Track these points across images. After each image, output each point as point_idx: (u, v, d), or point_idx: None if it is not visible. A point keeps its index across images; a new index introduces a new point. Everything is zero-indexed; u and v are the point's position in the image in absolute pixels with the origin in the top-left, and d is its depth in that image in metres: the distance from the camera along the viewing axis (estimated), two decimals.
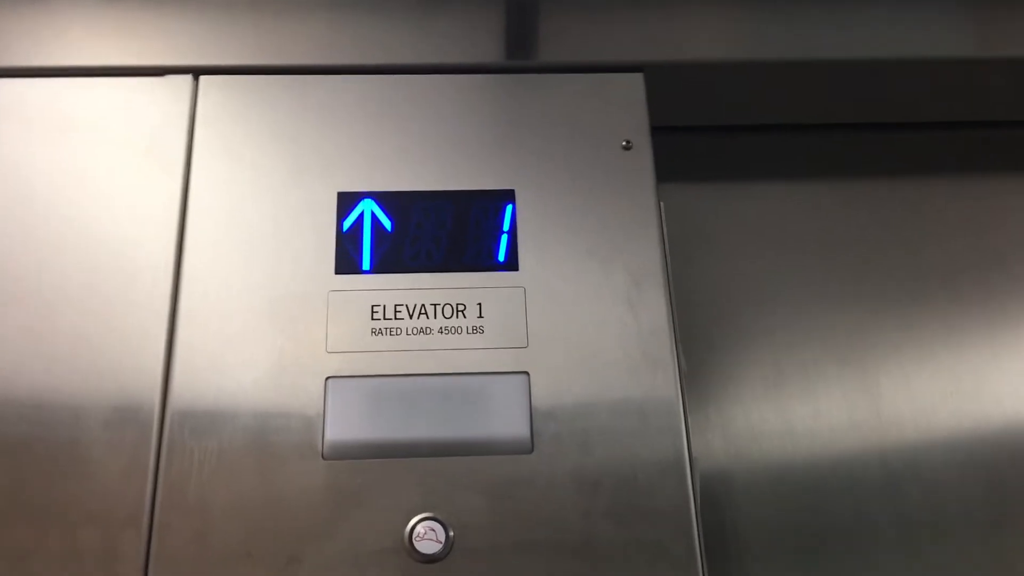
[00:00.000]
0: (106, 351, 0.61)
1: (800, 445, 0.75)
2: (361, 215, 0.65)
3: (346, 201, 0.66)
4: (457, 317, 0.63)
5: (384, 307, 0.63)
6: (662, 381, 0.62)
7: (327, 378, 0.60)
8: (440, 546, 0.56)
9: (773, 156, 0.85)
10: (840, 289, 0.80)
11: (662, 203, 0.67)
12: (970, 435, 0.76)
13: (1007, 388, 0.78)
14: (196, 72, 0.69)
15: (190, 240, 0.64)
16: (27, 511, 0.57)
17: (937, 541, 0.73)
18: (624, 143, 0.68)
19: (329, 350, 0.61)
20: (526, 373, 0.61)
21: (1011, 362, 0.78)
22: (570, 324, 0.63)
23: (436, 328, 0.62)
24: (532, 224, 0.66)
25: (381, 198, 0.66)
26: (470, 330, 0.62)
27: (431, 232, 0.65)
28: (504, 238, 0.65)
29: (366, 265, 0.64)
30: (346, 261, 0.64)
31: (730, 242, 0.81)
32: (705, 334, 0.77)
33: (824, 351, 0.78)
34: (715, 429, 0.75)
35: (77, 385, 0.60)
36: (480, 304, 0.63)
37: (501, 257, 0.65)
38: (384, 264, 0.64)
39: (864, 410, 0.76)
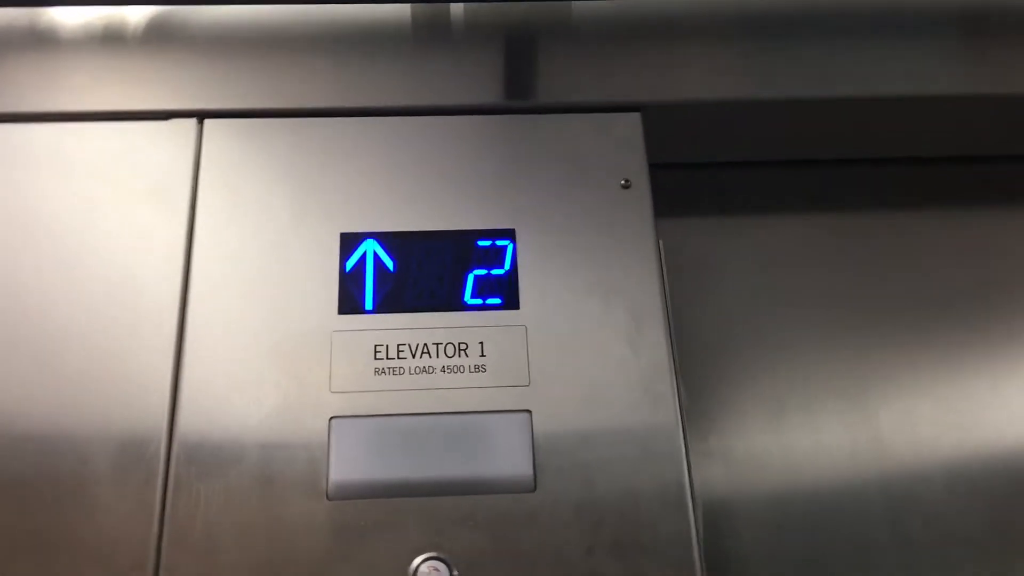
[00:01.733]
0: (112, 391, 0.61)
1: (802, 476, 0.75)
2: (363, 255, 0.66)
3: (348, 242, 0.66)
4: (459, 356, 0.63)
5: (387, 347, 0.63)
6: (663, 416, 0.62)
7: (331, 418, 0.61)
8: None
9: (770, 191, 0.86)
10: (840, 322, 0.80)
11: (661, 241, 0.68)
12: (971, 466, 0.76)
13: (1007, 419, 0.78)
14: (200, 116, 0.70)
15: (195, 281, 0.65)
16: (32, 551, 0.57)
17: (939, 570, 0.73)
18: (623, 182, 0.69)
19: (333, 390, 0.62)
20: (528, 411, 0.62)
21: (1011, 394, 0.79)
22: (571, 362, 0.64)
23: (438, 367, 0.63)
24: (533, 263, 0.67)
25: (383, 238, 0.67)
26: (472, 369, 0.63)
27: (433, 272, 0.66)
28: (505, 277, 0.66)
29: (369, 305, 0.65)
30: (349, 301, 0.65)
31: (728, 276, 0.81)
32: (705, 368, 0.77)
33: (824, 383, 0.78)
34: (717, 461, 0.75)
35: (83, 425, 0.60)
36: (482, 343, 0.64)
37: (502, 296, 0.66)
38: (387, 304, 0.65)
39: (865, 441, 0.76)
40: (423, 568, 0.57)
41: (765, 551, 0.73)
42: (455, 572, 0.57)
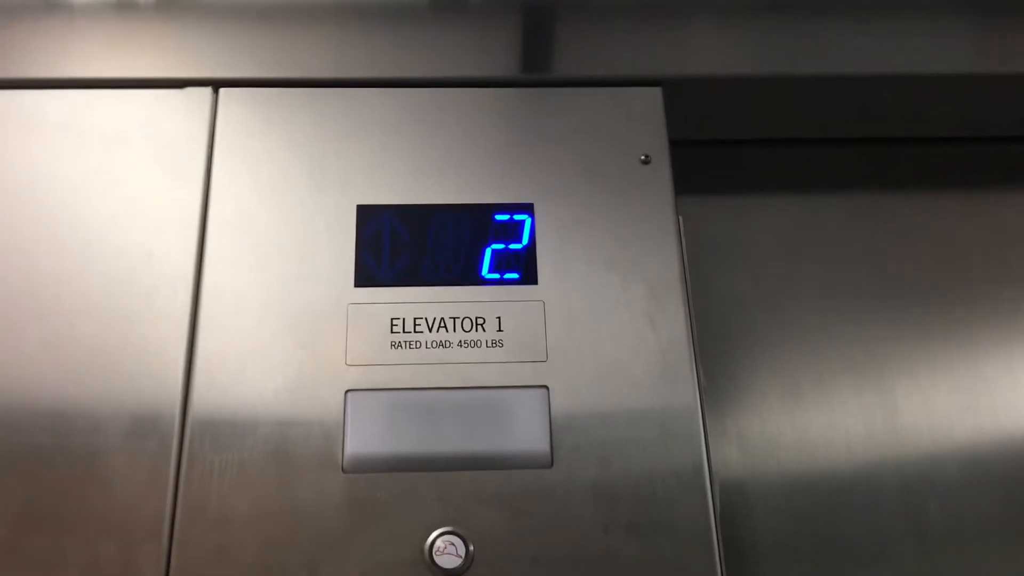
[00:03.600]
0: (126, 362, 0.61)
1: (817, 457, 0.75)
2: (380, 228, 0.65)
3: (365, 214, 0.66)
4: (476, 331, 0.63)
5: (403, 320, 0.63)
6: (681, 394, 0.62)
7: (347, 391, 0.60)
8: (460, 560, 0.56)
9: (791, 169, 0.85)
10: (857, 302, 0.80)
11: (680, 216, 0.67)
12: (987, 448, 0.76)
13: (1023, 401, 0.77)
14: (216, 85, 0.70)
15: (210, 252, 0.64)
16: (46, 524, 0.57)
17: (954, 554, 0.73)
18: (643, 157, 0.69)
19: (349, 363, 0.61)
20: (545, 387, 0.61)
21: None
22: (589, 337, 0.63)
23: (455, 342, 0.62)
24: (551, 238, 0.66)
25: (400, 211, 0.66)
26: (489, 344, 0.62)
27: (450, 245, 0.65)
28: (523, 252, 0.65)
29: (385, 278, 0.64)
30: (365, 274, 0.64)
31: (747, 255, 0.81)
32: (722, 347, 0.77)
33: (841, 364, 0.78)
34: (732, 441, 0.75)
35: (97, 397, 0.60)
36: (499, 318, 0.63)
37: (520, 271, 0.65)
38: (403, 277, 0.64)
39: (880, 423, 0.76)
40: (439, 543, 0.57)
41: (779, 533, 0.73)
42: (471, 547, 0.57)
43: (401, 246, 0.65)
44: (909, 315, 0.80)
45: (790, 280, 0.80)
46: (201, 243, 0.64)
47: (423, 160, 0.68)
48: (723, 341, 0.77)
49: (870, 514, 0.73)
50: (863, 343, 0.79)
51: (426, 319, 0.63)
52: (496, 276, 0.65)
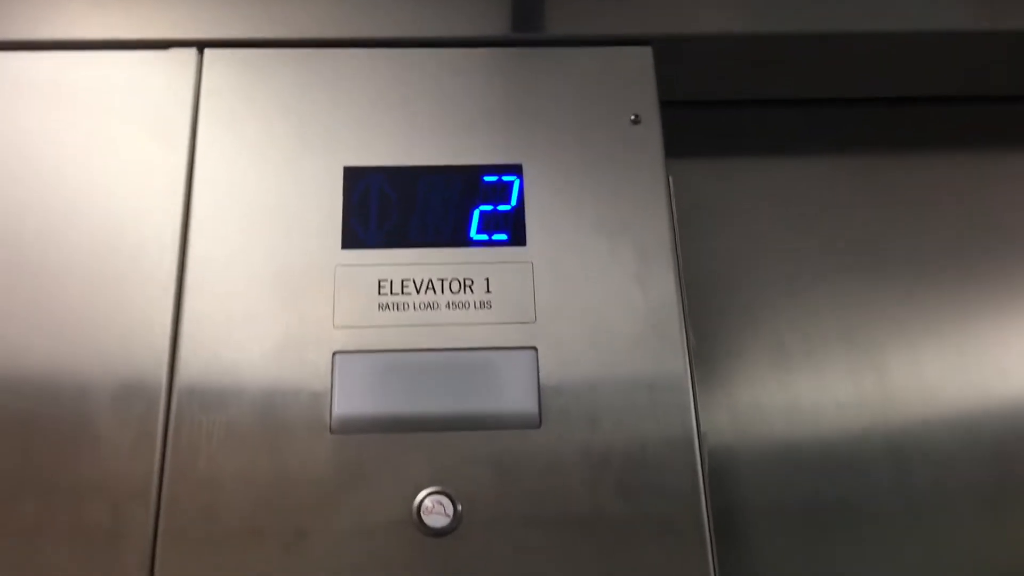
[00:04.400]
0: (113, 324, 0.60)
1: (805, 420, 0.75)
2: (368, 189, 0.65)
3: (353, 176, 0.65)
4: (464, 292, 0.63)
5: (391, 282, 0.62)
6: (670, 356, 0.62)
7: (334, 353, 0.60)
8: (449, 520, 0.56)
9: (784, 131, 0.84)
10: (847, 264, 0.79)
11: (671, 177, 0.66)
12: (976, 410, 0.76)
13: (1013, 363, 0.77)
14: (201, 45, 0.69)
15: (196, 214, 0.63)
16: (33, 486, 0.57)
17: (942, 516, 0.73)
18: (633, 117, 0.68)
19: (336, 325, 0.61)
20: (534, 348, 0.61)
21: (1017, 337, 0.78)
22: (578, 299, 0.63)
23: (443, 303, 0.62)
24: (540, 199, 0.66)
25: (388, 173, 0.66)
26: (477, 305, 0.62)
27: (438, 207, 0.65)
28: (512, 213, 0.65)
29: (373, 240, 0.63)
30: (353, 236, 0.63)
31: (737, 217, 0.80)
32: (710, 309, 0.76)
33: (830, 326, 0.78)
34: (720, 405, 0.75)
35: (84, 358, 0.60)
36: (487, 279, 0.63)
37: (509, 232, 0.64)
38: (391, 239, 0.64)
39: (870, 385, 0.76)
40: (427, 503, 0.57)
41: (767, 498, 0.73)
42: (459, 507, 0.57)
43: (389, 208, 0.65)
44: (900, 277, 0.80)
45: (780, 242, 0.80)
46: (187, 205, 0.64)
47: (410, 121, 0.67)
48: (710, 303, 0.76)
49: (859, 475, 0.73)
50: (852, 305, 0.78)
51: (414, 281, 0.63)
52: (484, 237, 0.64)
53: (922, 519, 0.73)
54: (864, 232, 0.81)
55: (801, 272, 0.79)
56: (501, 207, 0.65)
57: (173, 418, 0.58)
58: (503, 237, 0.64)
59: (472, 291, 0.63)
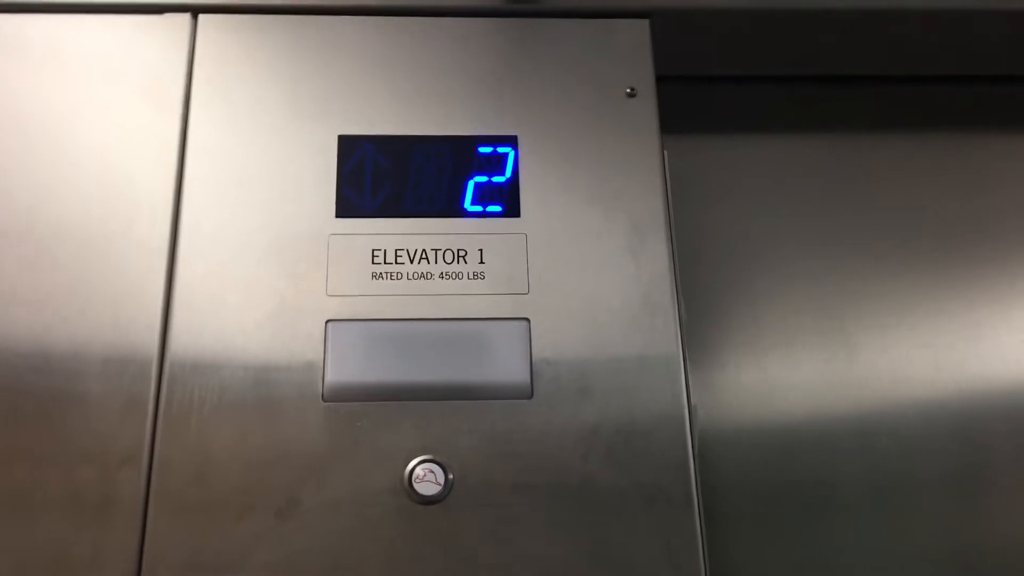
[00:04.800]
0: (105, 288, 0.60)
1: (776, 397, 0.75)
2: (362, 159, 0.65)
3: (347, 144, 0.65)
4: (458, 263, 0.63)
5: (385, 251, 0.62)
6: (662, 328, 0.62)
7: (327, 321, 0.60)
8: (440, 488, 0.57)
9: (776, 107, 0.84)
10: (826, 242, 0.80)
11: (665, 152, 0.66)
12: (944, 398, 0.76)
13: (982, 351, 0.78)
14: (195, 10, 0.68)
15: (189, 180, 0.63)
16: (24, 451, 0.57)
17: (908, 503, 0.73)
18: (628, 90, 0.68)
19: (329, 293, 0.61)
20: (527, 319, 0.61)
21: (987, 326, 0.78)
22: (571, 271, 0.63)
23: (437, 273, 0.62)
24: (534, 170, 0.65)
25: (382, 142, 0.65)
26: (471, 276, 0.62)
27: (433, 177, 0.65)
28: (506, 185, 0.65)
29: (367, 209, 0.63)
30: (347, 205, 0.63)
31: (714, 193, 0.80)
32: (698, 284, 0.76)
33: (804, 302, 0.78)
34: (696, 381, 0.75)
35: (75, 323, 0.59)
36: (481, 250, 0.63)
37: (503, 203, 0.64)
38: (385, 208, 0.63)
39: (840, 363, 0.76)
40: (418, 471, 0.57)
41: (737, 480, 0.73)
42: (450, 475, 0.57)
43: (383, 177, 0.64)
44: (877, 255, 0.80)
45: (760, 218, 0.80)
46: (180, 171, 0.63)
47: (406, 90, 0.67)
48: (693, 279, 0.76)
49: (828, 454, 0.74)
50: (827, 282, 0.78)
51: (408, 251, 0.63)
52: (479, 209, 0.64)
53: (889, 497, 0.73)
54: (842, 216, 0.81)
55: (778, 247, 0.79)
56: (496, 179, 0.65)
57: (165, 385, 0.58)
58: (497, 209, 0.64)
59: (466, 262, 0.63)
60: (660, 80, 0.69)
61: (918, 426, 0.75)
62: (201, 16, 0.68)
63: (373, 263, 0.62)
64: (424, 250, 0.63)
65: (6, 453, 0.57)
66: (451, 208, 0.64)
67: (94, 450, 0.57)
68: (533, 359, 0.60)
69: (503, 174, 0.65)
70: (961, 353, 0.77)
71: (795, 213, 0.80)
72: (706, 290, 0.77)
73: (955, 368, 0.77)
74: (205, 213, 0.62)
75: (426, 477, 0.57)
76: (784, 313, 0.77)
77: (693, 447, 0.59)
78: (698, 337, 0.75)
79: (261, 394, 0.58)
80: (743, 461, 0.73)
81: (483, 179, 0.65)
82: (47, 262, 0.61)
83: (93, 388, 0.58)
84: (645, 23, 0.70)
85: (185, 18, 0.68)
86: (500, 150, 0.66)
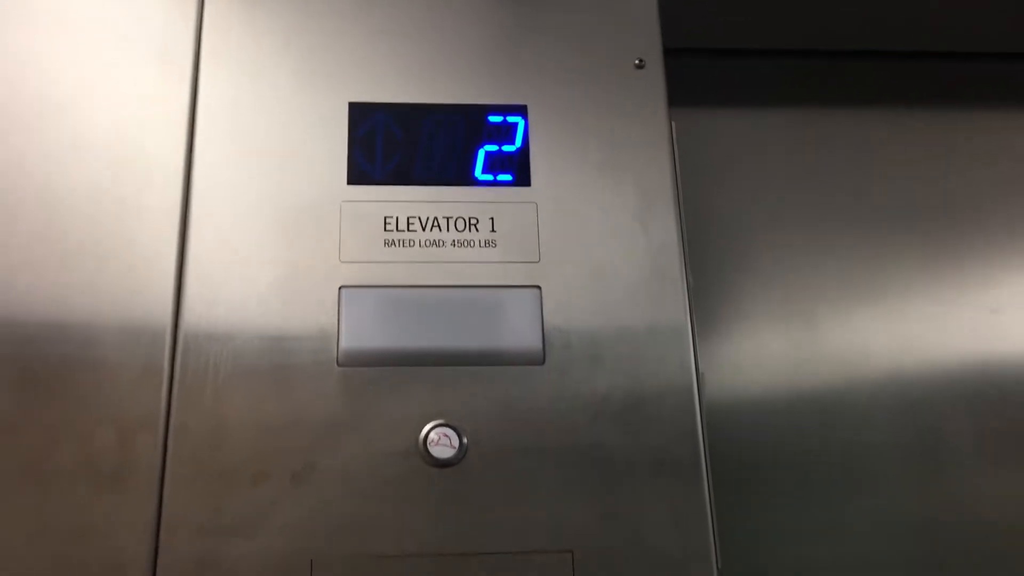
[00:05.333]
0: (118, 255, 0.60)
1: (744, 371, 0.76)
2: (373, 126, 0.65)
3: (358, 112, 0.65)
4: (470, 231, 0.63)
5: (397, 219, 0.63)
6: (671, 296, 0.63)
7: (341, 287, 0.60)
8: (454, 451, 0.57)
9: (783, 81, 0.85)
10: (829, 217, 0.81)
11: (673, 123, 0.67)
12: (904, 375, 0.78)
13: (945, 330, 0.79)
14: None
15: (199, 147, 0.63)
16: (40, 419, 0.57)
17: (866, 478, 0.75)
18: (637, 61, 0.68)
19: (343, 259, 0.61)
20: (538, 287, 0.62)
21: (951, 305, 0.80)
22: (581, 239, 0.64)
23: (449, 241, 0.63)
24: (544, 139, 0.66)
25: (393, 110, 0.65)
26: (483, 244, 0.63)
27: (444, 145, 0.65)
28: (516, 154, 0.65)
29: (379, 176, 0.64)
30: (358, 172, 0.64)
31: (720, 166, 0.81)
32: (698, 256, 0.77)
33: (806, 276, 0.79)
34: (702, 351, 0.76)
35: (88, 291, 0.59)
36: (492, 219, 0.63)
37: (513, 172, 0.65)
38: (397, 176, 0.64)
39: (805, 348, 0.77)
40: (432, 435, 0.58)
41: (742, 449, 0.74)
42: (465, 439, 0.58)
43: (394, 145, 0.65)
44: (893, 229, 0.81)
45: (777, 196, 0.81)
46: (191, 137, 0.63)
47: (416, 58, 0.67)
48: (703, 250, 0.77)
49: (790, 437, 0.76)
50: (795, 255, 0.80)
51: (420, 218, 0.63)
52: (489, 177, 0.65)
53: (847, 478, 0.74)
54: (856, 184, 0.82)
55: (784, 223, 0.80)
56: (506, 147, 0.65)
57: (180, 347, 0.58)
58: (508, 177, 0.65)
59: (477, 230, 0.63)
60: (668, 53, 0.69)
61: (876, 405, 0.76)
62: None
63: (385, 230, 0.62)
64: (436, 218, 0.63)
65: (23, 421, 0.57)
66: (462, 177, 0.64)
67: (110, 418, 0.57)
68: (545, 326, 0.61)
69: (513, 143, 0.66)
70: (923, 334, 0.79)
71: (800, 188, 0.81)
72: (711, 262, 0.78)
73: (916, 349, 0.78)
74: (217, 179, 0.62)
75: (441, 441, 0.58)
76: (786, 285, 0.78)
77: (701, 414, 0.60)
78: (704, 308, 0.76)
79: (276, 359, 0.58)
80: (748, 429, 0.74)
81: (493, 148, 0.65)
82: (61, 228, 0.61)
83: (108, 356, 0.58)
84: None
85: None
86: (510, 119, 0.66)
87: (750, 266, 0.79)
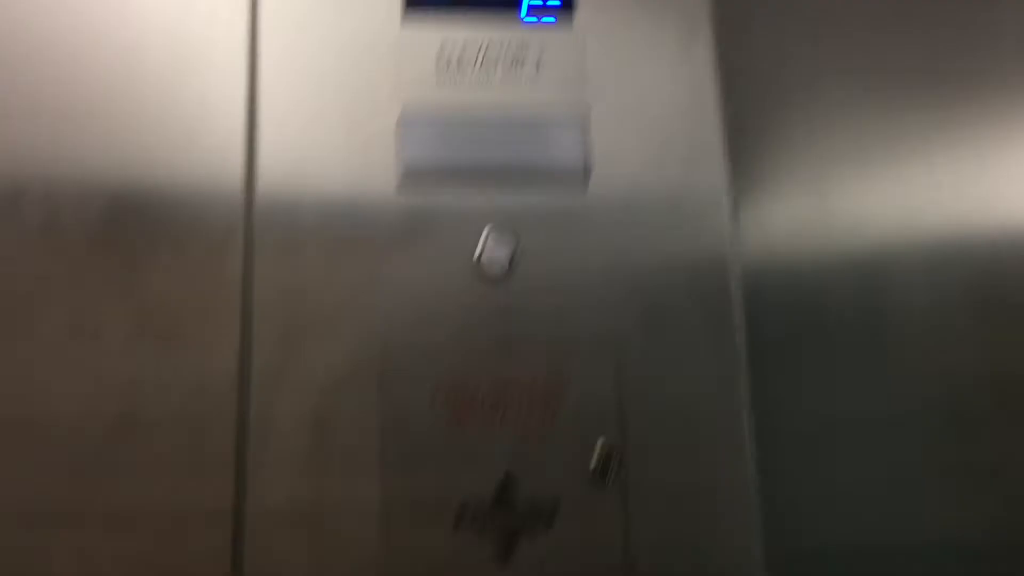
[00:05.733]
0: (187, 119, 0.62)
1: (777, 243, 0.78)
2: None
3: None
4: (517, 64, 0.66)
5: (451, 51, 0.65)
6: (707, 127, 0.66)
7: (400, 112, 0.63)
8: (506, 268, 0.62)
9: None
10: (873, 69, 0.80)
11: None
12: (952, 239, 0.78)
13: (991, 193, 0.79)
14: None
15: None
16: (119, 303, 0.59)
17: (907, 347, 0.75)
18: None
19: (399, 86, 0.64)
20: (584, 115, 0.65)
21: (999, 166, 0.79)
22: (624, 71, 0.67)
23: (499, 72, 0.65)
24: None
25: None
26: (530, 76, 0.66)
27: None
28: None
29: (432, 4, 0.66)
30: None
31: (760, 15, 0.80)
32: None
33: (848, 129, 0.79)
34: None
35: (160, 168, 0.61)
36: (541, 49, 0.66)
37: (560, 4, 0.67)
38: (450, 6, 0.66)
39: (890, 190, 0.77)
40: (487, 252, 0.62)
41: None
42: (516, 256, 0.62)
43: None
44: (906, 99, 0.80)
45: (816, 47, 0.80)
46: None
47: None
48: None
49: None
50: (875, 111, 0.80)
51: (471, 51, 0.65)
52: (538, 6, 0.67)
53: (885, 347, 0.74)
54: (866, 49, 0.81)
55: (831, 75, 0.79)
56: None
57: (256, 220, 0.61)
58: (554, 12, 0.67)
59: (526, 61, 0.66)
60: None
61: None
62: None
63: (439, 60, 0.65)
64: (486, 48, 0.66)
65: (98, 299, 0.59)
66: (512, 6, 0.67)
67: (190, 296, 0.59)
68: (588, 153, 0.65)
69: None
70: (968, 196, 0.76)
71: (842, 38, 0.81)
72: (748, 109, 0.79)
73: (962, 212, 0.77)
74: (281, 14, 0.64)
75: (495, 256, 0.62)
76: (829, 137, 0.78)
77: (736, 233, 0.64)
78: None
79: (344, 187, 0.62)
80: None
81: None
82: (132, 99, 0.62)
83: (183, 233, 0.60)
84: None
85: None
86: None
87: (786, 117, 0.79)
